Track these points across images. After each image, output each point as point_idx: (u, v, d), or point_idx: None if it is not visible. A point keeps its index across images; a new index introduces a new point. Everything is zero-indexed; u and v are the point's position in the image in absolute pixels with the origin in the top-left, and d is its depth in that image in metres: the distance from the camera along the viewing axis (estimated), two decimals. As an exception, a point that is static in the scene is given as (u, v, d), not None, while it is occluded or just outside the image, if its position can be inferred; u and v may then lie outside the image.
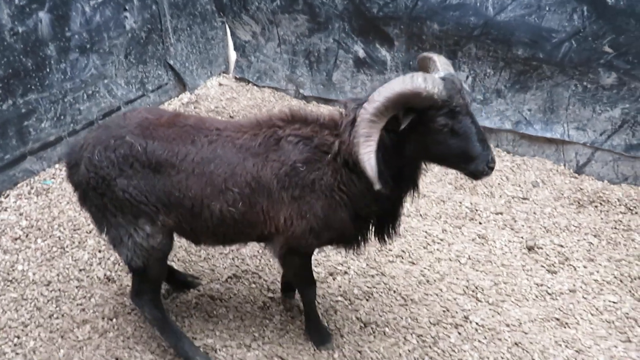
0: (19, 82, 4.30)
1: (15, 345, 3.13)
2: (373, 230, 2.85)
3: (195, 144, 2.63)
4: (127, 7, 5.14)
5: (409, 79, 2.26)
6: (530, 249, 3.87)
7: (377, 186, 2.32)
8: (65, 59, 4.65)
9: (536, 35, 4.51)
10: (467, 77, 5.01)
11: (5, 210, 4.19)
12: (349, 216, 2.63)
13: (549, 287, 3.55)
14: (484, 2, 4.63)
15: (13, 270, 3.66)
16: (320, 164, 2.55)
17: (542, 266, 3.74)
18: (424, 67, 2.61)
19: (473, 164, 2.40)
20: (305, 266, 2.96)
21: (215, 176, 2.59)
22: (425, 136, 2.39)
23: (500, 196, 4.46)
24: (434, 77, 2.30)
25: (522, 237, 4.00)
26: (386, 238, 2.87)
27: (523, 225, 4.12)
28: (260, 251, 3.87)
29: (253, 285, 3.60)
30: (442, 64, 2.49)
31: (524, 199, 4.42)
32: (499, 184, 4.62)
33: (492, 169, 2.41)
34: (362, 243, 2.89)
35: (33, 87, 4.42)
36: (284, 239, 2.69)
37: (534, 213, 4.25)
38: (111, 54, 5.10)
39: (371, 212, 2.71)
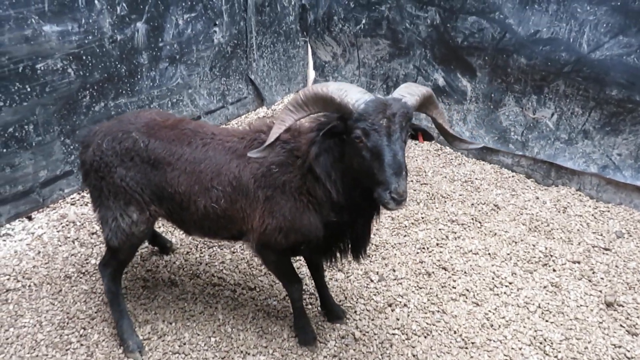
0: (112, 87, 4.58)
1: (81, 336, 3.28)
2: (348, 247, 2.93)
3: (190, 146, 2.91)
4: (217, 22, 5.37)
5: (327, 84, 2.46)
6: (609, 305, 3.57)
7: (259, 154, 2.50)
8: (155, 67, 4.91)
9: (634, 76, 4.22)
10: (553, 115, 4.77)
11: (87, 204, 4.44)
12: (317, 221, 2.73)
13: (628, 351, 3.25)
14: (577, 38, 4.41)
15: (87, 263, 3.85)
16: (292, 167, 2.72)
17: (622, 326, 3.43)
18: None
19: (379, 189, 2.35)
20: (282, 262, 3.06)
21: (203, 175, 2.85)
22: (348, 146, 2.48)
23: (579, 243, 4.17)
24: (358, 91, 2.42)
25: (600, 291, 3.70)
26: (358, 255, 2.94)
27: (602, 278, 3.82)
28: (320, 273, 3.85)
29: (309, 307, 3.57)
30: (399, 89, 2.55)
31: (606, 249, 4.11)
32: (578, 230, 4.33)
33: (397, 202, 2.30)
34: (336, 256, 2.98)
35: (124, 92, 4.70)
36: (257, 235, 2.84)
37: (616, 266, 3.93)
38: (197, 66, 5.33)
39: (336, 223, 2.74)
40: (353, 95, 2.39)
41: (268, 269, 3.29)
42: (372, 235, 3.00)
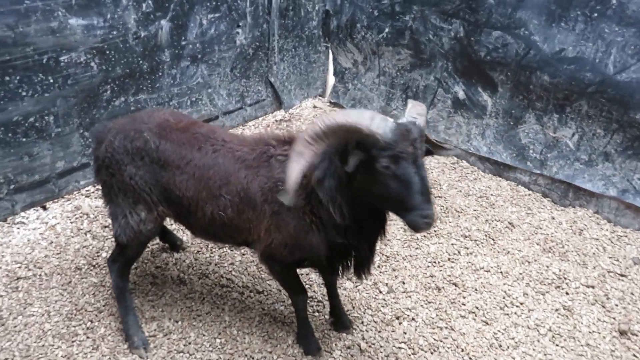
0: (133, 82, 4.61)
1: (87, 328, 3.29)
2: (352, 264, 2.92)
3: (200, 151, 2.89)
4: (240, 24, 5.38)
5: (352, 113, 2.33)
6: (622, 333, 3.50)
7: (289, 200, 2.39)
8: (177, 65, 4.93)
9: (660, 100, 4.15)
10: (573, 135, 4.70)
11: (101, 197, 4.44)
12: (320, 241, 2.72)
13: (639, 381, 3.18)
14: (603, 59, 4.34)
15: (98, 256, 3.87)
16: (298, 186, 2.62)
17: (635, 355, 3.35)
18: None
19: (410, 214, 2.34)
20: (287, 273, 3.06)
21: (212, 182, 2.83)
22: (369, 174, 2.41)
23: (594, 267, 4.09)
24: (382, 118, 2.33)
25: (614, 318, 3.62)
26: (361, 274, 2.91)
27: (617, 305, 3.74)
28: (329, 280, 3.82)
29: (316, 314, 3.54)
30: (409, 111, 2.53)
31: (622, 275, 4.02)
32: (594, 253, 4.25)
33: (429, 225, 2.34)
34: (339, 272, 2.99)
35: (144, 88, 4.73)
36: (263, 247, 2.85)
37: (632, 293, 3.84)
38: (218, 66, 5.35)
39: (341, 244, 2.73)
40: (379, 123, 2.31)
41: (273, 277, 3.26)
42: (375, 255, 2.95)
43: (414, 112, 2.51)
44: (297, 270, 3.17)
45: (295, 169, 2.34)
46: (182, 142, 2.93)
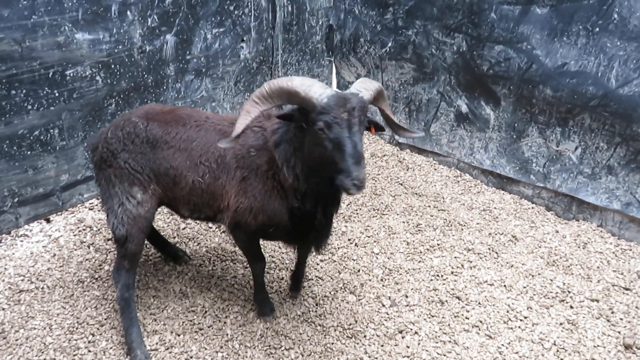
0: (137, 96, 4.65)
1: (89, 342, 3.28)
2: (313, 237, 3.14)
3: (185, 126, 3.15)
4: (244, 39, 5.44)
5: (292, 78, 2.61)
6: (627, 347, 3.46)
7: (224, 143, 2.67)
8: (181, 79, 4.98)
9: (662, 114, 4.14)
10: (577, 148, 4.70)
11: (100, 200, 4.47)
12: (282, 206, 2.97)
13: (646, 397, 3.13)
14: (606, 73, 4.35)
15: (100, 269, 3.87)
16: (266, 152, 2.94)
17: (641, 370, 3.32)
18: None
19: (341, 176, 2.53)
20: (251, 242, 3.30)
21: (194, 152, 3.09)
22: (310, 136, 2.65)
23: (599, 281, 4.06)
24: (320, 86, 2.59)
25: (619, 332, 3.59)
26: (319, 246, 3.19)
27: (622, 319, 3.70)
28: (332, 293, 3.81)
29: (318, 328, 3.53)
30: (355, 84, 2.77)
31: (626, 289, 3.99)
32: (598, 267, 4.22)
33: (358, 187, 2.51)
34: (308, 245, 3.26)
35: (149, 102, 4.76)
36: (231, 213, 3.06)
37: (637, 307, 3.81)
38: (222, 80, 5.40)
39: (299, 211, 2.96)
40: (316, 89, 2.56)
41: (237, 246, 3.53)
42: (332, 228, 3.23)
43: (360, 86, 2.73)
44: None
45: (242, 123, 2.66)
46: (168, 120, 3.19)
